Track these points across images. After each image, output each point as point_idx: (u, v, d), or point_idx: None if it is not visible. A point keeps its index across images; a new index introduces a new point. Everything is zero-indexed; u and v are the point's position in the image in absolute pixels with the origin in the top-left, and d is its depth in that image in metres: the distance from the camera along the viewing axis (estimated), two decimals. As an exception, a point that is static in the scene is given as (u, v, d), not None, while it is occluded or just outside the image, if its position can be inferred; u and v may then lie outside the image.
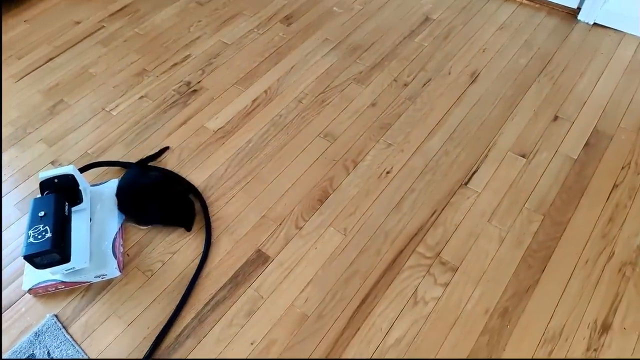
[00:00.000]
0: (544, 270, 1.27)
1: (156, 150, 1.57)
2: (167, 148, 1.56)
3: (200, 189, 1.45)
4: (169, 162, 1.54)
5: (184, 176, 1.49)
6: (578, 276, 1.25)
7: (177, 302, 1.20)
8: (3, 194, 1.51)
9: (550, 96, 1.70)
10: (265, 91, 1.77)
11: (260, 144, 1.58)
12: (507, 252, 1.30)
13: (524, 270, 1.27)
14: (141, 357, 1.11)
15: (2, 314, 1.23)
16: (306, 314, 1.19)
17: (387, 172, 1.49)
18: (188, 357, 1.13)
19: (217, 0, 2.21)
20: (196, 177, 1.49)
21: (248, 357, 1.13)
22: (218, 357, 1.13)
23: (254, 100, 1.74)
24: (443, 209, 1.40)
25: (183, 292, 1.22)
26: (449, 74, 1.80)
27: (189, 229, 1.33)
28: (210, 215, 1.39)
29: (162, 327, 1.16)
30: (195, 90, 1.79)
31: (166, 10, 2.17)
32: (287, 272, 1.27)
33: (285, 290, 1.23)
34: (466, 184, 1.45)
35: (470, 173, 1.48)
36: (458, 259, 1.29)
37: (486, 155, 1.52)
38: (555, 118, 1.63)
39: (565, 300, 1.21)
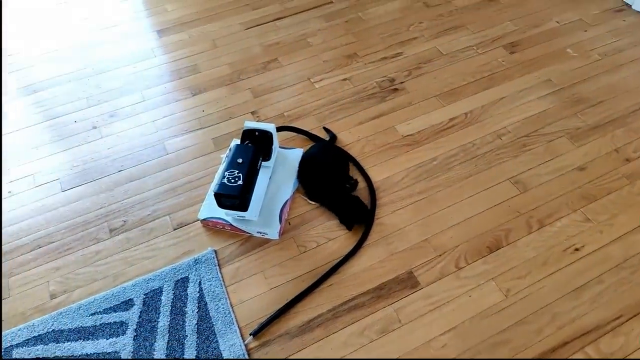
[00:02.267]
0: None
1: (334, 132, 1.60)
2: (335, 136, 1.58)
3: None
4: (351, 151, 1.55)
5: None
6: None
7: (310, 284, 1.22)
8: (206, 126, 1.66)
9: None
10: (466, 114, 1.67)
11: (444, 165, 1.50)
12: (700, 403, 1.05)
13: None
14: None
15: (174, 231, 1.36)
16: (438, 360, 1.10)
17: (576, 249, 1.30)
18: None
19: (445, 6, 2.14)
20: (372, 175, 1.48)
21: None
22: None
23: (451, 119, 1.65)
24: (632, 318, 1.18)
25: (318, 278, 1.22)
26: (687, 166, 1.51)
27: (348, 228, 1.32)
28: (375, 217, 1.36)
29: (287, 302, 1.19)
30: (396, 89, 1.76)
31: (392, 3, 2.17)
32: (432, 307, 1.19)
33: (425, 324, 1.16)
34: (670, 301, 1.21)
35: (680, 291, 1.22)
36: (632, 383, 1.07)
37: None
38: None
39: None
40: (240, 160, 1.20)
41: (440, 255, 1.29)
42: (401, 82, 1.80)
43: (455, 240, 1.32)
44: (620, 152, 1.55)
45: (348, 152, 1.54)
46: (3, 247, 1.36)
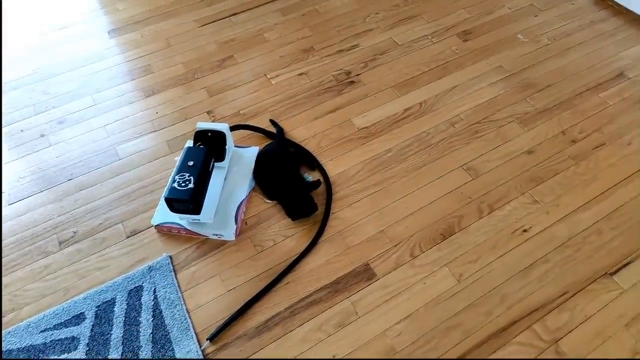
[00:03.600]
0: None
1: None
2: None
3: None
4: (307, 146, 1.56)
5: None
6: None
7: (266, 284, 1.23)
8: (160, 128, 1.64)
9: None
10: (420, 104, 1.70)
11: (399, 156, 1.53)
12: (639, 371, 1.11)
13: (653, 399, 1.08)
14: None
15: (127, 239, 1.34)
16: (395, 348, 1.14)
17: (524, 231, 1.35)
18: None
19: (401, -4, 2.15)
20: (329, 169, 1.49)
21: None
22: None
23: (406, 110, 1.68)
24: (576, 294, 1.23)
25: (274, 277, 1.23)
26: (629, 144, 1.57)
27: (292, 218, 1.33)
28: (330, 212, 1.38)
29: (244, 303, 1.20)
30: (352, 82, 1.78)
31: (348, -5, 2.17)
32: (388, 297, 1.22)
33: (381, 315, 1.19)
34: (612, 274, 1.27)
35: (621, 264, 1.29)
36: (577, 355, 1.13)
37: (647, 252, 1.31)
38: None
39: None
40: (191, 163, 1.20)
41: (395, 246, 1.32)
42: (357, 75, 1.81)
43: (410, 229, 1.35)
44: (566, 134, 1.60)
45: (304, 147, 1.55)
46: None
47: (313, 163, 1.48)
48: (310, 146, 1.56)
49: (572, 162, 1.52)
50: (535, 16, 2.04)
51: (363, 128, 1.62)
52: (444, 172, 1.49)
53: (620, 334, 1.16)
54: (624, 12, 2.04)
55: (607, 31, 1.97)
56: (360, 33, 1.98)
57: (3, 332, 1.15)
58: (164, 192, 1.16)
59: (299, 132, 1.61)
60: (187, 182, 1.15)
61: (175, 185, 1.15)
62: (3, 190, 1.50)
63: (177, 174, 1.17)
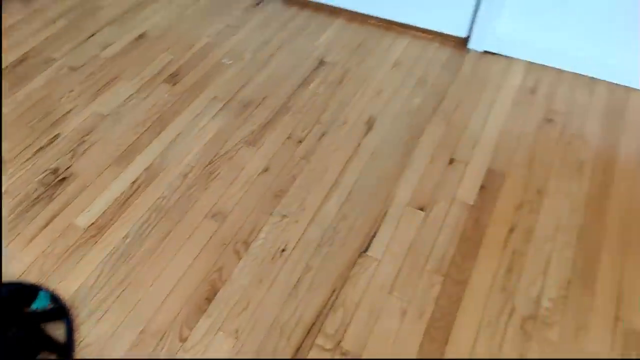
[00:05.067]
0: (447, 342, 1.18)
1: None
2: None
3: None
4: (29, 276, 1.33)
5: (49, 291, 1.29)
6: (482, 340, 1.18)
7: None
8: None
9: (446, 137, 1.65)
10: (147, 169, 1.60)
11: (138, 237, 1.41)
12: (410, 326, 1.20)
13: (428, 343, 1.18)
14: None
15: None
16: None
17: (282, 250, 1.36)
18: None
19: (93, 63, 2.00)
20: (62, 293, 1.29)
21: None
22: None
23: (132, 183, 1.56)
24: (343, 286, 1.28)
25: None
26: (344, 123, 1.71)
27: None
28: (77, 341, 1.20)
29: None
30: (63, 179, 1.58)
31: (33, 82, 1.94)
32: (169, 401, 1.10)
33: None
34: (365, 251, 1.35)
35: (369, 238, 1.38)
36: (359, 346, 1.17)
37: (385, 214, 1.43)
38: (451, 161, 1.57)
39: (476, 376, 1.12)
40: None
41: (161, 339, 1.20)
42: (67, 168, 1.62)
43: (172, 312, 1.25)
44: (292, 137, 1.67)
45: (27, 283, 1.32)
46: None
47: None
48: (33, 276, 1.34)
49: (305, 162, 1.58)
50: (234, 35, 2.09)
51: (90, 225, 1.45)
52: (190, 230, 1.42)
53: (388, 303, 1.24)
54: (308, 3, 2.20)
55: (299, 26, 2.12)
56: (58, 119, 1.78)
57: None
58: None
59: (14, 267, 1.37)
60: None
61: None
62: None
63: None
